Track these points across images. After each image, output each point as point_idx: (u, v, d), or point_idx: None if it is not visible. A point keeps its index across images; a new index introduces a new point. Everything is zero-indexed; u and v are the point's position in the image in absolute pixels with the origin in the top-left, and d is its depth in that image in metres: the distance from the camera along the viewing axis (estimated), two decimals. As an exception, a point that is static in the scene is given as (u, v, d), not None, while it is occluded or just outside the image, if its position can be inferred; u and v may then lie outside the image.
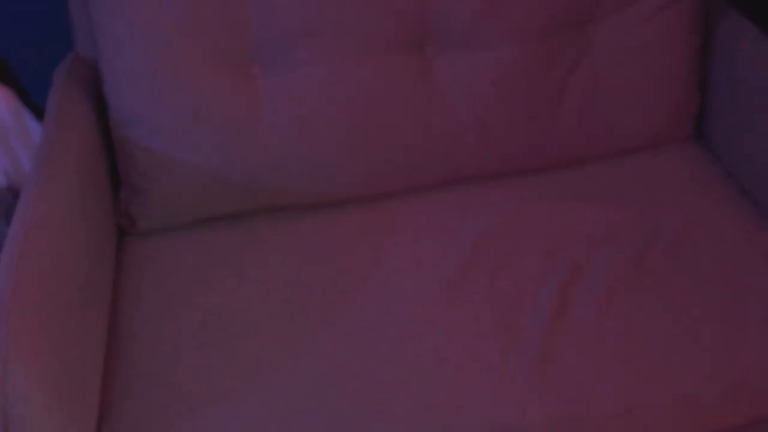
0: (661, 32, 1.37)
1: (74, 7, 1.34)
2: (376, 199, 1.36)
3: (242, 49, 1.25)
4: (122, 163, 1.27)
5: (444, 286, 1.20)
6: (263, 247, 1.28)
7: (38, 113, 1.59)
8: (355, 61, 1.29)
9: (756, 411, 1.12)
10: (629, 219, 1.31)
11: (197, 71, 1.23)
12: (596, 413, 1.06)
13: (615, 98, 1.39)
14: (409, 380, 1.07)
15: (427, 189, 1.38)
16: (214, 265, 1.24)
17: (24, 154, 1.61)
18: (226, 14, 1.23)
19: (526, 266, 1.23)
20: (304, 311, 1.17)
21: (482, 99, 1.34)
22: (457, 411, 1.04)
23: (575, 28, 1.35)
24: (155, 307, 1.18)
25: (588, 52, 1.37)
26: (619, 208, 1.33)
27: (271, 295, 1.19)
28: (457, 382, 1.07)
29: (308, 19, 1.25)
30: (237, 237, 1.29)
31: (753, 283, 1.19)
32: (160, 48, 1.21)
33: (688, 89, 1.42)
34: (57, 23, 1.47)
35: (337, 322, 1.15)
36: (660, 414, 1.07)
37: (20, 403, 0.88)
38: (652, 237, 1.27)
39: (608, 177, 1.41)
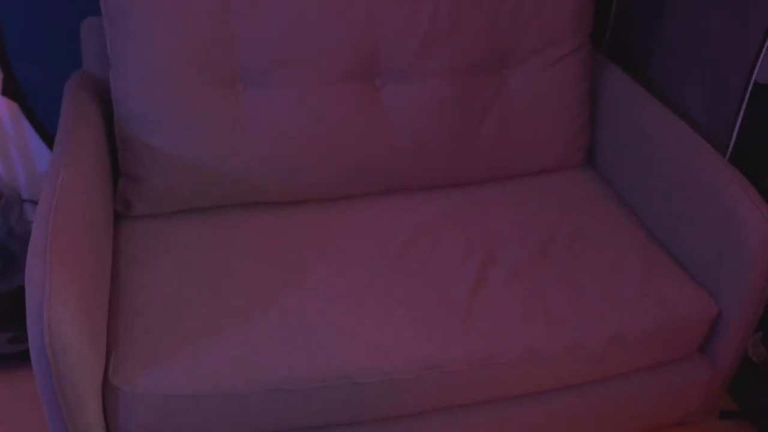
0: (558, 79, 1.74)
1: (84, 34, 1.62)
2: (332, 200, 1.66)
3: (230, 71, 1.55)
4: (123, 155, 1.53)
5: (386, 263, 1.49)
6: (240, 232, 1.55)
7: (38, 127, 1.83)
8: (319, 87, 1.60)
9: (631, 359, 1.44)
10: (533, 222, 1.64)
11: (193, 85, 1.52)
12: (504, 353, 1.35)
13: (523, 129, 1.74)
14: (357, 326, 1.34)
15: (373, 194, 1.69)
16: (199, 241, 1.50)
17: (19, 162, 1.85)
18: (217, 43, 1.53)
19: (451, 253, 1.54)
20: (273, 275, 1.43)
21: (419, 122, 1.66)
22: (394, 348, 1.32)
23: (492, 71, 1.71)
24: (150, 271, 1.42)
25: (502, 91, 1.72)
26: (525, 215, 1.66)
27: (247, 263, 1.46)
28: (396, 329, 1.35)
29: (282, 52, 1.57)
30: (218, 223, 1.56)
31: (626, 264, 1.53)
32: (163, 64, 1.50)
33: (581, 124, 1.79)
34: (61, 51, 1.74)
35: (299, 282, 1.42)
36: (555, 355, 1.37)
37: (61, 337, 1.10)
38: (550, 235, 1.60)
39: (518, 191, 1.74)
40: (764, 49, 1.42)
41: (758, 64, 1.44)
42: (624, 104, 1.75)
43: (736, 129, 1.52)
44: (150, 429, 1.25)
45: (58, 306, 1.11)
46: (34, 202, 1.90)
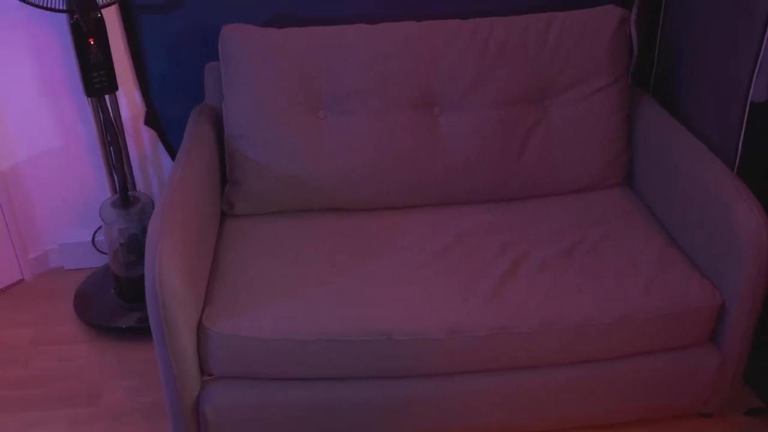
0: (595, 110, 2.01)
1: (207, 74, 2.07)
2: (393, 209, 2.00)
3: (314, 101, 1.94)
4: (229, 165, 1.94)
5: (433, 256, 1.80)
6: (316, 229, 1.90)
7: (170, 150, 2.30)
8: (386, 114, 1.96)
9: (640, 340, 1.66)
10: (567, 229, 1.90)
11: (284, 111, 1.92)
12: (522, 325, 1.61)
13: (563, 152, 2.01)
14: (399, 297, 1.65)
15: (428, 205, 2.01)
16: (283, 235, 1.87)
17: (155, 179, 2.31)
18: (304, 78, 1.93)
19: (489, 251, 1.82)
20: (337, 260, 1.77)
21: (469, 145, 1.98)
22: (428, 314, 1.61)
23: (534, 102, 2.01)
24: (242, 253, 1.80)
25: (544, 119, 2.01)
26: (560, 224, 1.92)
27: (318, 251, 1.81)
28: (432, 301, 1.64)
29: (358, 85, 1.94)
30: (299, 222, 1.93)
31: (642, 261, 1.75)
32: (262, 93, 1.91)
33: (617, 150, 2.04)
34: (190, 89, 2.20)
35: (357, 266, 1.75)
36: (568, 329, 1.62)
37: (166, 280, 1.49)
38: (581, 238, 1.85)
39: (556, 206, 2.00)
40: (756, 71, 1.65)
41: (752, 87, 1.67)
42: (655, 130, 1.99)
43: (740, 145, 1.73)
44: (230, 363, 1.60)
45: (166, 258, 1.50)
46: (166, 214, 2.35)
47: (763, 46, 1.64)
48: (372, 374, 1.64)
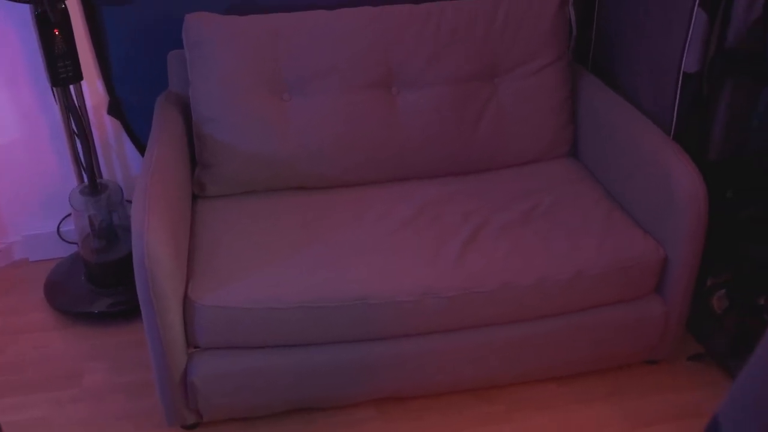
0: (541, 85, 2.16)
1: (171, 62, 2.13)
2: (356, 185, 2.10)
3: (278, 84, 2.03)
4: (198, 149, 2.02)
5: (399, 225, 1.91)
6: (286, 206, 1.99)
7: (133, 139, 2.34)
8: (346, 94, 2.06)
9: (593, 294, 1.81)
10: (521, 197, 2.03)
11: (250, 94, 2.00)
12: (486, 284, 1.74)
13: (513, 127, 2.15)
14: (372, 263, 1.76)
15: (391, 181, 2.13)
16: (255, 213, 1.96)
17: (119, 167, 2.35)
18: (268, 61, 2.01)
19: (451, 220, 1.94)
20: (309, 232, 1.87)
21: (426, 122, 2.09)
22: (400, 278, 1.72)
23: (486, 79, 2.14)
24: (217, 232, 1.88)
25: (495, 95, 2.15)
26: (514, 192, 2.06)
27: (290, 225, 1.90)
28: (402, 266, 1.76)
29: (318, 67, 2.04)
30: (269, 200, 2.02)
31: (591, 222, 1.90)
32: (228, 78, 1.99)
33: (563, 122, 2.19)
34: (152, 77, 2.25)
35: (328, 236, 1.85)
36: (527, 287, 1.76)
37: (154, 252, 1.56)
38: (532, 207, 1.99)
39: (509, 176, 2.14)
40: (687, 44, 1.82)
41: (684, 57, 1.83)
42: (596, 103, 2.14)
43: (675, 112, 1.90)
44: (215, 334, 1.68)
45: (153, 233, 1.57)
46: (131, 202, 2.40)
47: (693, 21, 1.80)
48: (349, 338, 1.74)
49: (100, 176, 2.25)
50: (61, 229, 2.44)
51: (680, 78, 1.86)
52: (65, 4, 1.95)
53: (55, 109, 2.26)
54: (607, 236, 1.86)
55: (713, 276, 2.08)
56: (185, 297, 1.68)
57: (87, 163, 2.13)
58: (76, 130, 2.13)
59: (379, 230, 1.88)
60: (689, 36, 1.82)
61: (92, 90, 2.25)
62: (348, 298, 1.69)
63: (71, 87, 2.09)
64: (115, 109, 2.29)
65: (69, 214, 2.43)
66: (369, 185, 2.11)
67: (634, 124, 1.97)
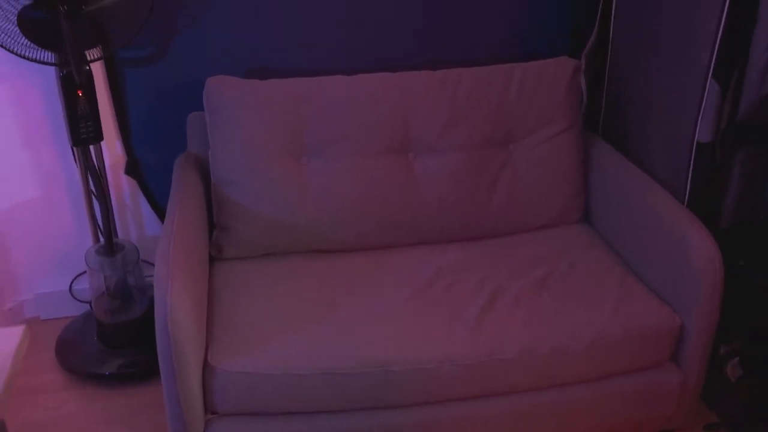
0: (554, 152, 2.19)
1: (190, 124, 2.16)
2: (373, 249, 2.12)
3: (298, 147, 2.06)
4: (217, 211, 2.03)
5: (417, 291, 1.92)
6: (304, 269, 2.00)
7: (150, 199, 2.36)
8: (365, 158, 2.09)
9: (609, 362, 1.81)
10: (534, 264, 2.05)
11: (269, 158, 2.03)
12: (504, 351, 1.74)
13: (527, 192, 2.18)
14: (391, 330, 1.76)
15: (407, 245, 2.14)
16: (273, 275, 1.97)
17: (134, 228, 2.37)
18: (288, 126, 2.04)
19: (468, 286, 1.95)
20: (328, 297, 1.88)
21: (441, 187, 2.12)
22: (419, 346, 1.73)
23: (500, 146, 2.17)
24: (236, 294, 1.88)
25: (509, 162, 2.18)
26: (529, 259, 2.07)
27: (309, 289, 1.91)
28: (421, 333, 1.76)
29: (336, 131, 2.07)
30: (288, 264, 2.02)
31: (606, 289, 1.92)
32: (248, 142, 2.01)
33: (576, 188, 2.22)
34: (171, 138, 2.28)
35: (347, 302, 1.86)
36: (544, 355, 1.76)
37: (178, 317, 1.56)
38: (547, 273, 2.01)
39: (523, 242, 2.16)
40: (700, 114, 1.86)
41: (698, 127, 1.87)
42: (609, 170, 2.17)
43: (689, 181, 1.93)
44: (234, 400, 1.67)
45: (176, 297, 1.58)
46: (146, 262, 2.40)
47: (706, 92, 1.84)
48: (370, 405, 1.73)
49: (116, 236, 2.26)
50: (73, 288, 2.44)
51: (694, 147, 1.90)
52: (89, 66, 1.99)
53: (74, 169, 2.28)
54: (623, 304, 1.87)
55: (726, 344, 2.08)
56: (205, 362, 1.67)
57: (104, 223, 2.14)
58: (94, 190, 2.15)
59: (397, 296, 1.89)
60: (703, 106, 1.86)
61: (111, 150, 2.28)
62: (369, 365, 1.69)
63: (91, 147, 2.11)
64: (132, 168, 2.31)
65: (81, 273, 2.43)
66: (386, 249, 2.12)
67: (648, 191, 1.99)
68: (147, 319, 2.21)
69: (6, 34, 1.85)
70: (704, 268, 1.77)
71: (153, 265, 2.26)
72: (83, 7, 1.81)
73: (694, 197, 1.94)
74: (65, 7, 1.78)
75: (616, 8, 2.25)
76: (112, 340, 2.22)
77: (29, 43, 1.87)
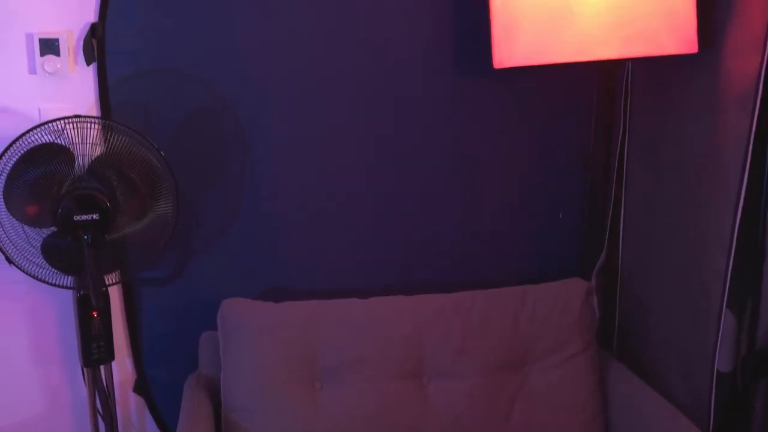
0: (571, 373, 2.15)
1: (203, 343, 2.15)
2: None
3: (312, 372, 2.03)
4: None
5: None
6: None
7: (157, 419, 2.31)
8: (379, 383, 2.05)
9: None
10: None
11: (283, 383, 1.99)
12: None
13: (544, 415, 2.12)
14: None
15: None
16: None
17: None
18: (303, 350, 2.03)
19: None
20: None
21: (457, 411, 2.07)
22: None
23: (515, 369, 2.14)
24: None
25: (525, 385, 2.13)
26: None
27: None
28: None
29: (350, 356, 2.05)
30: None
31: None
32: (262, 367, 1.99)
33: (595, 410, 2.15)
34: (182, 357, 2.26)
35: None
36: None
37: None
38: None
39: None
40: (718, 344, 1.84)
41: (716, 357, 1.85)
42: (627, 393, 2.13)
43: (712, 410, 1.88)
44: None
45: None
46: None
47: (722, 321, 1.84)
48: None
49: (119, 457, 2.18)
50: None
51: (714, 376, 1.87)
52: (106, 289, 2.01)
53: (81, 387, 2.24)
54: None
55: None
56: None
57: (108, 446, 2.08)
58: (100, 410, 2.10)
59: None
60: (719, 336, 1.85)
61: (121, 366, 2.26)
62: None
63: (101, 366, 2.09)
64: (141, 387, 2.27)
65: (79, 495, 2.32)
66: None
67: (670, 421, 1.94)
68: None
69: (27, 259, 1.89)
70: None
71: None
72: (106, 236, 1.86)
73: (718, 427, 1.88)
74: (89, 237, 1.83)
75: (624, 230, 2.31)
76: None
77: (50, 267, 1.91)
